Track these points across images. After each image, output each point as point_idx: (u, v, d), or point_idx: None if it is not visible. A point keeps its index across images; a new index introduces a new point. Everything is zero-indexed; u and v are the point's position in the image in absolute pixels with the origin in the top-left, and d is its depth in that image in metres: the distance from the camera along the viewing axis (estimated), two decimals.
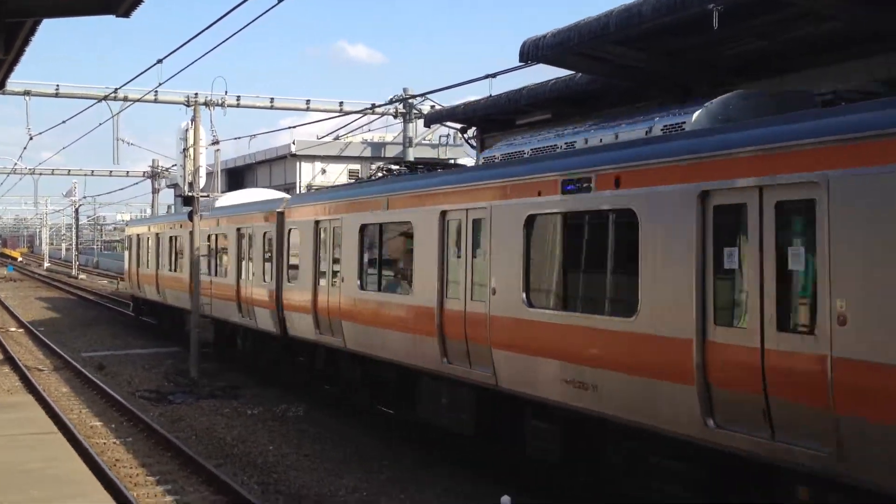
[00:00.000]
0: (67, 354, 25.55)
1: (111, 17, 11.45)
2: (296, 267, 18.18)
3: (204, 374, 21.86)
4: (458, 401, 12.70)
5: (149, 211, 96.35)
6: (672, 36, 13.16)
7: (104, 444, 15.11)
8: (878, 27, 11.44)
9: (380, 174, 17.34)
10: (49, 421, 13.35)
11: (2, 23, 11.12)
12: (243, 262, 21.40)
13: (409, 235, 13.91)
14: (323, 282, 16.76)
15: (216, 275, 23.58)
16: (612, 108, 16.51)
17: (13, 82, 17.04)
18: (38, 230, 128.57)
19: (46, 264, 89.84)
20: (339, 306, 15.91)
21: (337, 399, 18.02)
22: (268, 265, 19.70)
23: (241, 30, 15.76)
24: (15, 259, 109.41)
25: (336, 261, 16.29)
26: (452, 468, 13.21)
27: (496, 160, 12.93)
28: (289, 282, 18.45)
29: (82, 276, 70.97)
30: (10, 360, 24.56)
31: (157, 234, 29.44)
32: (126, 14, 11.22)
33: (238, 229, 21.60)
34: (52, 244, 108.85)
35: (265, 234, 19.79)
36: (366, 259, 15.41)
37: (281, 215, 19.07)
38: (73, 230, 78.93)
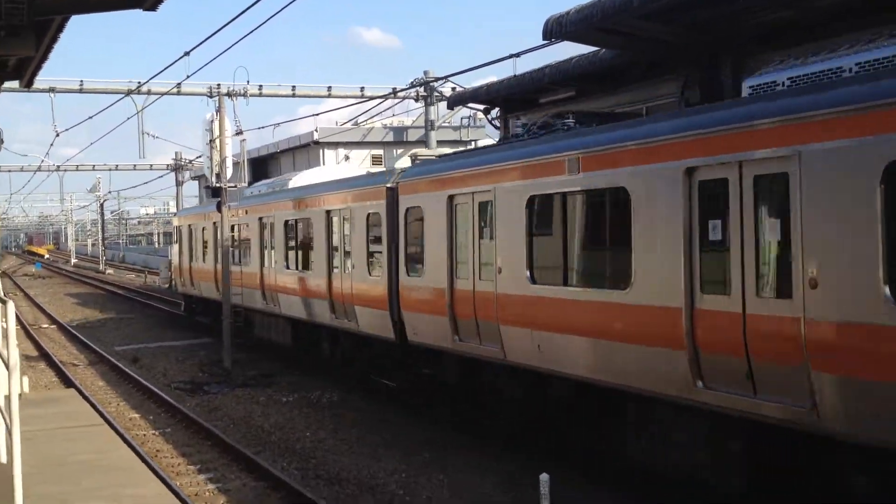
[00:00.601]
0: (101, 349, 25.85)
1: (137, 11, 11.52)
2: (418, 256, 14.41)
3: (236, 363, 22.05)
4: (720, 442, 9.20)
5: (172, 204, 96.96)
6: (696, 8, 13.06)
7: (144, 435, 15.31)
8: None
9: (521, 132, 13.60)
10: (94, 413, 13.57)
11: (31, 21, 11.19)
12: (336, 252, 17.85)
13: (620, 207, 10.11)
14: (463, 274, 13.13)
15: (296, 267, 20.04)
16: (637, 83, 16.43)
17: (38, 79, 17.16)
18: (63, 226, 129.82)
19: (73, 260, 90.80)
20: (494, 306, 12.25)
21: (369, 384, 18.13)
22: (376, 255, 16.05)
23: (270, 18, 15.42)
24: (42, 256, 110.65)
25: (486, 247, 12.57)
26: (490, 449, 13.25)
27: (777, 87, 9.14)
28: (409, 275, 14.60)
29: (109, 270, 71.70)
30: (46, 356, 24.89)
31: (214, 224, 25.27)
32: (153, 7, 11.26)
33: (328, 212, 18.04)
34: (77, 240, 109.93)
35: (369, 216, 16.19)
36: (537, 242, 11.60)
37: (393, 192, 15.31)
38: (100, 225, 79.62)
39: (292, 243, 20.33)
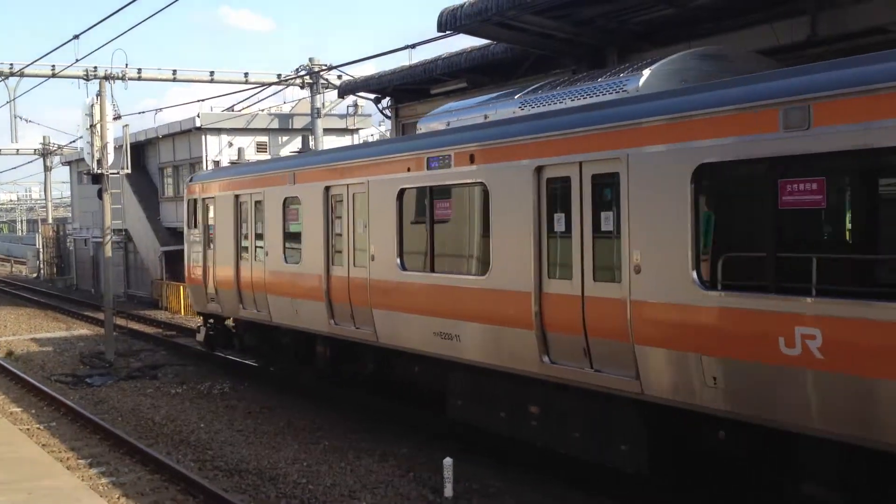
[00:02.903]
0: None
1: None
2: None
3: (119, 355, 21.49)
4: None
5: (36, 191, 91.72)
6: (586, 5, 13.55)
7: (28, 430, 14.77)
8: None
9: None
10: None
11: None
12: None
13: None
14: None
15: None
16: (526, 76, 16.87)
17: None
18: None
19: None
20: None
21: (261, 373, 18.03)
22: None
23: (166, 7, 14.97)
24: None
25: None
26: (388, 433, 13.45)
27: None
28: None
29: None
30: None
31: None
32: None
33: None
34: None
35: None
36: None
37: None
38: None
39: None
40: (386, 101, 20.91)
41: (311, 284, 14.22)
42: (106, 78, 23.87)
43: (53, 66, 25.73)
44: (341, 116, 31.40)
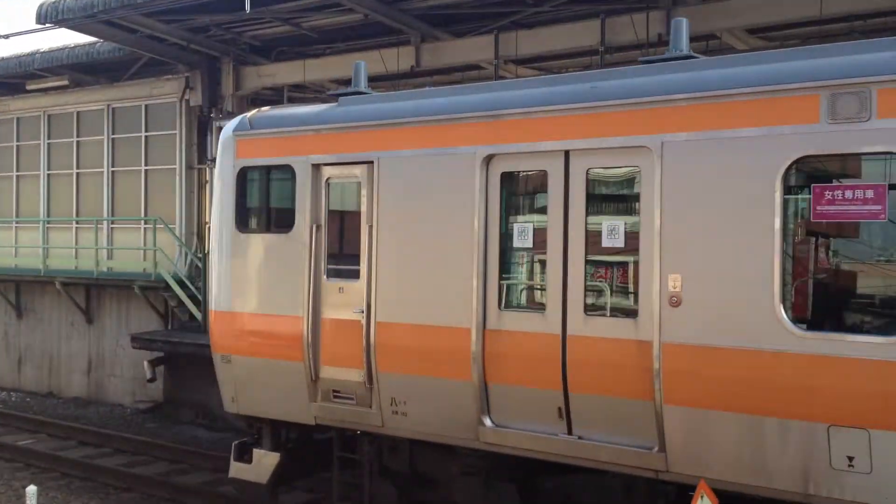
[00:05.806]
0: None
1: None
2: None
3: None
4: None
5: None
6: (199, 12, 13.32)
7: None
8: (390, 22, 12.81)
9: None
10: None
11: None
12: None
13: None
14: None
15: None
16: (137, 79, 16.19)
17: None
18: None
19: None
20: None
21: None
22: None
23: None
24: None
25: None
26: None
27: None
28: None
29: None
30: None
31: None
32: None
33: None
34: None
35: None
36: None
37: None
38: None
39: None
40: None
41: None
42: None
43: None
44: None
